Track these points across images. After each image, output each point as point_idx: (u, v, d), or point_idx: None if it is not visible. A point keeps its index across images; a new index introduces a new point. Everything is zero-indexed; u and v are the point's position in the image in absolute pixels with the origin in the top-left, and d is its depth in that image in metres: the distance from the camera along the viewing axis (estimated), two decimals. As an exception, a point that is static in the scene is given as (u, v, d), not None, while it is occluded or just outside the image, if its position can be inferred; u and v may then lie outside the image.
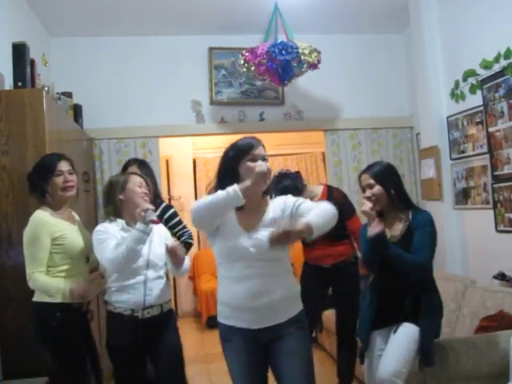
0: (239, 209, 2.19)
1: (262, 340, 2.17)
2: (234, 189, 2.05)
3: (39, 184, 2.56)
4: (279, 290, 2.17)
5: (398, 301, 2.54)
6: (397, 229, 2.61)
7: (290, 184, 3.19)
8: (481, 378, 2.72)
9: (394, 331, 2.51)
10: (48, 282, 2.45)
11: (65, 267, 2.51)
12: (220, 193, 2.08)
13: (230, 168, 2.19)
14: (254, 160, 2.15)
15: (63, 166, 2.61)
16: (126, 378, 2.58)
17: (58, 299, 2.45)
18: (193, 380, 3.32)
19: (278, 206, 2.25)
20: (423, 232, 2.51)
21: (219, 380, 4.11)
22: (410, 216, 2.57)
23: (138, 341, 2.53)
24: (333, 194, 3.43)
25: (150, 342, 2.58)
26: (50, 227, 2.48)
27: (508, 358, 2.61)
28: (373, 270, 2.73)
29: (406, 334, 2.48)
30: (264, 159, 2.18)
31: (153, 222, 2.49)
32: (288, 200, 2.26)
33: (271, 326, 2.16)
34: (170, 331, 2.66)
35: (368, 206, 2.54)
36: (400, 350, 2.46)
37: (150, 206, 2.54)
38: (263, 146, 2.24)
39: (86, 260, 2.64)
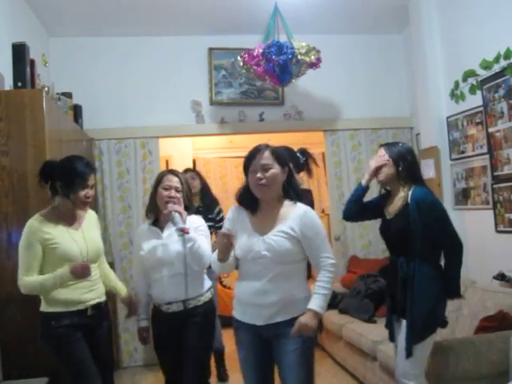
0: (253, 211, 2.33)
1: (265, 335, 2.28)
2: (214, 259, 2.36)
3: (63, 190, 2.47)
4: (286, 291, 2.24)
5: (399, 285, 2.50)
6: (396, 206, 2.58)
7: None
8: (481, 378, 2.72)
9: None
10: (42, 278, 2.39)
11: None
12: (213, 258, 2.39)
13: (246, 176, 2.35)
14: (255, 171, 2.26)
15: (91, 179, 2.54)
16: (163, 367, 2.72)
17: (58, 308, 2.42)
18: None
19: (298, 218, 2.27)
20: (441, 225, 2.49)
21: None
22: (410, 193, 2.52)
23: (163, 333, 2.65)
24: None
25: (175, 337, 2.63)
26: (41, 234, 2.41)
27: (508, 358, 2.61)
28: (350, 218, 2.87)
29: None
30: (265, 169, 2.25)
31: (181, 231, 2.48)
32: (304, 218, 2.28)
33: (273, 323, 2.25)
34: (191, 329, 2.62)
35: (372, 163, 2.63)
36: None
37: (176, 208, 2.54)
38: (271, 150, 2.30)
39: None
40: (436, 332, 2.49)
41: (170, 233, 2.63)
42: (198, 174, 4.30)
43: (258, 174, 2.25)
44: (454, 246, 2.53)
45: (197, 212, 2.90)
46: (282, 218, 2.28)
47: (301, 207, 2.31)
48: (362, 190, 2.72)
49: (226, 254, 2.27)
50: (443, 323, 2.52)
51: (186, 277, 2.55)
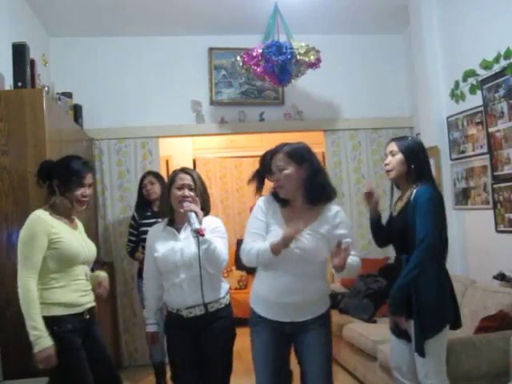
0: (284, 205, 2.36)
1: (287, 331, 2.33)
2: (267, 250, 2.24)
3: (59, 189, 2.45)
4: (312, 290, 2.32)
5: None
6: (401, 204, 2.56)
7: None
8: (481, 378, 2.73)
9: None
10: (35, 314, 2.30)
11: (57, 275, 2.41)
12: (261, 250, 2.26)
13: (263, 173, 2.44)
14: (273, 173, 2.34)
15: (89, 178, 2.52)
16: (177, 377, 2.61)
17: (59, 311, 2.38)
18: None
19: (332, 218, 2.34)
20: (423, 219, 2.39)
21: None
22: (414, 191, 2.48)
23: (182, 340, 2.57)
24: None
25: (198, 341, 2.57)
26: (48, 227, 2.38)
27: (508, 358, 2.61)
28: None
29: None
30: (279, 170, 2.30)
31: (196, 232, 2.40)
32: (338, 217, 2.36)
33: (299, 321, 2.31)
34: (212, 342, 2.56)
35: (367, 188, 2.61)
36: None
37: (192, 208, 2.47)
38: (286, 152, 2.32)
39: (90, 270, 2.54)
40: (446, 328, 2.42)
41: (187, 234, 2.56)
42: (159, 178, 4.13)
43: (275, 176, 2.33)
44: (422, 246, 2.36)
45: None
46: (314, 217, 2.32)
47: (333, 207, 2.37)
48: (374, 220, 2.67)
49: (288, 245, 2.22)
50: (451, 321, 2.45)
51: (202, 280, 2.48)
